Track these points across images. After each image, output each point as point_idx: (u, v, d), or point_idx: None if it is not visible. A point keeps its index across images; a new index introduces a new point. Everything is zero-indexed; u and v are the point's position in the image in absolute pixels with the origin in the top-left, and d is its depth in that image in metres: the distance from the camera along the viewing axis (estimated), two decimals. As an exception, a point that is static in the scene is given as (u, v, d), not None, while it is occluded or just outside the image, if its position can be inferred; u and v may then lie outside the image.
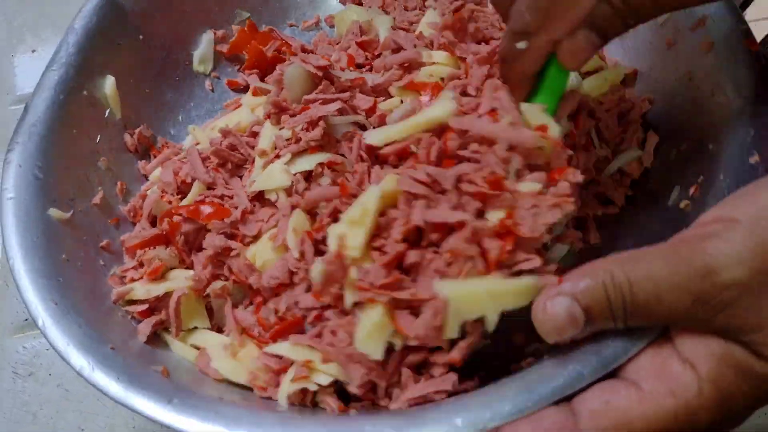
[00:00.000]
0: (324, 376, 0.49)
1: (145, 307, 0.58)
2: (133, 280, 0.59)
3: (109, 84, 0.69)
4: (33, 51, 0.87)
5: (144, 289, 0.58)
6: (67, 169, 0.63)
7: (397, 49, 0.67)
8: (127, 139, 0.70)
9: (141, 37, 0.73)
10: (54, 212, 0.59)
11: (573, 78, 0.61)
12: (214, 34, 0.78)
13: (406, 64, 0.64)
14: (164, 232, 0.61)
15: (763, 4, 1.15)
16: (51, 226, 0.59)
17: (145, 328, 0.57)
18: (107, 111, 0.69)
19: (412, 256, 0.46)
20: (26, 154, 0.61)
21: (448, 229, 0.46)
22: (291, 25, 0.82)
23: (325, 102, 0.58)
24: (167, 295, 0.58)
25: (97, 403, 0.65)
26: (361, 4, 0.79)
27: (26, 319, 0.70)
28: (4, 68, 0.86)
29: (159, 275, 0.59)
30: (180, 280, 0.58)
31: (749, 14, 0.79)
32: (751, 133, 0.50)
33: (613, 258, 0.41)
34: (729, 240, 0.37)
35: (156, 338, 0.58)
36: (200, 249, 0.60)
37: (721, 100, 0.55)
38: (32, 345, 0.69)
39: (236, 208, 0.59)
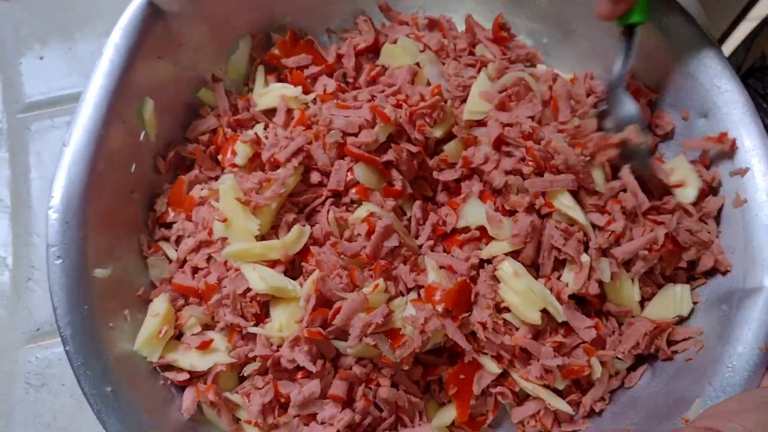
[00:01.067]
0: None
1: (186, 375, 0.60)
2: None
3: (148, 107, 0.65)
4: (41, 58, 0.81)
5: (187, 362, 0.60)
6: (106, 219, 0.61)
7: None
8: (159, 163, 0.67)
9: (181, 45, 0.67)
10: (99, 272, 0.58)
11: None
12: (252, 39, 0.73)
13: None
14: (200, 291, 0.62)
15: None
16: (96, 289, 0.58)
17: (189, 404, 0.59)
18: (142, 134, 0.65)
19: None
20: (71, 209, 0.58)
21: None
22: (329, 31, 0.77)
23: None
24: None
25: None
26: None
27: (38, 329, 0.70)
28: (12, 76, 0.80)
29: (207, 348, 0.60)
30: (221, 355, 0.60)
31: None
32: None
33: None
34: None
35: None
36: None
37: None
38: (44, 355, 0.69)
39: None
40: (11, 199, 0.75)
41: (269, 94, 0.70)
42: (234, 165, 0.66)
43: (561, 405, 0.62)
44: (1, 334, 0.70)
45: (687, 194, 0.66)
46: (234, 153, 0.66)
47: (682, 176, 0.66)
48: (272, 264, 0.61)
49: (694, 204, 0.65)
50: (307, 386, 0.58)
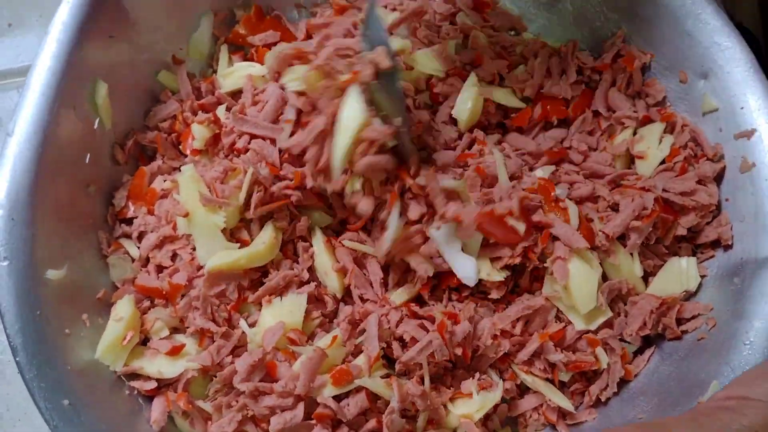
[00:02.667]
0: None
1: (153, 384, 0.55)
2: None
3: (101, 91, 0.59)
4: (9, 25, 0.76)
5: (155, 369, 0.54)
6: (59, 215, 0.55)
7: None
8: (117, 153, 0.62)
9: (135, 24, 0.62)
10: (52, 274, 0.53)
11: None
12: (215, 16, 0.67)
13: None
14: (165, 292, 0.57)
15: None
16: (49, 292, 0.53)
17: (158, 415, 0.54)
18: (96, 121, 0.59)
19: None
20: (18, 204, 0.52)
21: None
22: (298, 6, 0.71)
23: None
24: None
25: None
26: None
27: None
28: None
29: (178, 354, 0.55)
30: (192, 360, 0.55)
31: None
32: None
33: (638, 426, 0.46)
34: (744, 414, 0.43)
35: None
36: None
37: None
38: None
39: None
40: None
41: (234, 74, 0.65)
42: (196, 152, 0.60)
43: (561, 401, 0.58)
44: None
45: (641, 168, 0.63)
46: (193, 137, 0.60)
47: (644, 147, 0.63)
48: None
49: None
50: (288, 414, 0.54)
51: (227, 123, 0.60)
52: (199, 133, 0.60)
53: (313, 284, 0.57)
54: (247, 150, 0.59)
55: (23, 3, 0.77)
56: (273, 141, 0.59)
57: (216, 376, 0.55)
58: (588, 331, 0.59)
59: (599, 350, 0.59)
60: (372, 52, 0.55)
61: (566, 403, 0.59)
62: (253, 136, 0.59)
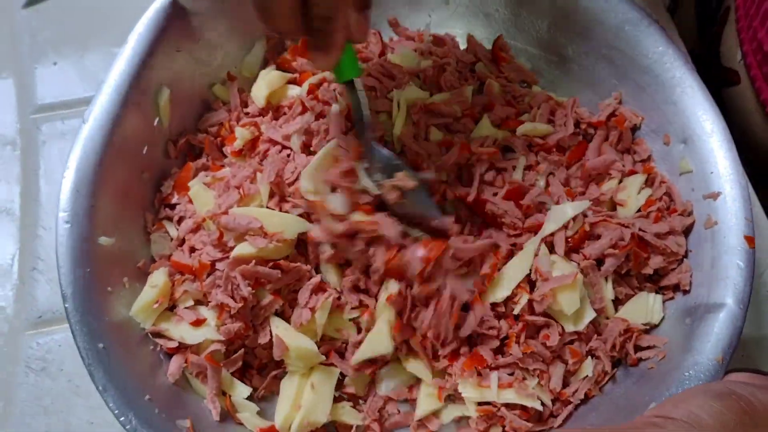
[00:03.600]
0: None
1: (175, 344, 0.64)
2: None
3: (164, 96, 0.70)
4: (54, 64, 0.88)
5: (178, 333, 0.64)
6: (116, 194, 0.65)
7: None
8: (170, 148, 0.72)
9: (199, 41, 0.73)
10: (104, 240, 0.63)
11: None
12: (267, 42, 0.78)
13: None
14: (194, 269, 0.66)
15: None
16: (100, 255, 0.63)
17: (175, 369, 0.63)
18: (156, 120, 0.70)
19: None
20: (84, 179, 0.63)
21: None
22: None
23: None
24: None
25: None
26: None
27: (40, 317, 0.75)
28: (27, 79, 0.87)
29: (200, 326, 0.64)
30: (210, 330, 0.64)
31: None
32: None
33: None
34: (665, 430, 0.49)
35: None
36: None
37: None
38: (45, 341, 0.73)
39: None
40: (21, 194, 0.81)
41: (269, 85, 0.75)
42: (236, 153, 0.71)
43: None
44: (5, 319, 0.75)
45: (621, 213, 0.71)
46: (234, 139, 0.71)
47: (625, 196, 0.71)
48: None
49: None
50: None
51: (264, 131, 0.70)
52: (241, 135, 0.71)
53: (318, 277, 0.66)
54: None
55: (67, 44, 0.90)
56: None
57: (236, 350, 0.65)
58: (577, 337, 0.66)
59: (588, 360, 0.66)
60: (391, 179, 0.65)
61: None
62: (283, 146, 0.69)
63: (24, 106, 0.86)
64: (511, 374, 0.65)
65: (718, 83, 0.86)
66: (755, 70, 0.79)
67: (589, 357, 0.66)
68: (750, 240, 0.64)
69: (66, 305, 0.60)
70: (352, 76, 0.64)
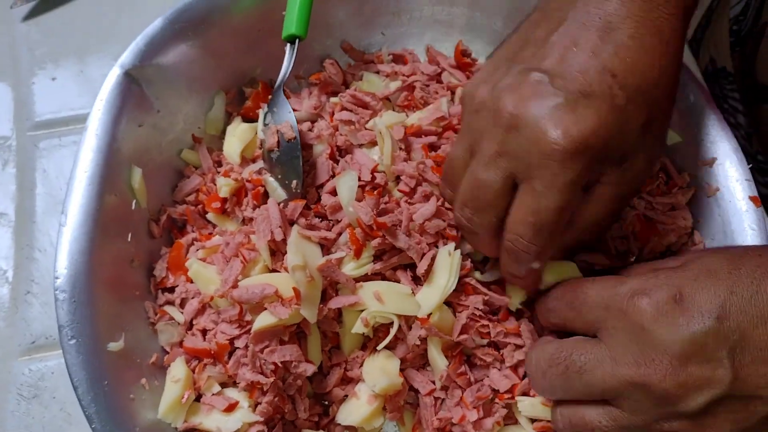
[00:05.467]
0: None
1: (213, 442, 0.61)
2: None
3: (136, 176, 0.65)
4: (53, 79, 0.86)
5: (213, 424, 0.60)
6: (111, 291, 0.61)
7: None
8: (153, 228, 0.68)
9: (158, 111, 0.68)
10: (113, 346, 0.59)
11: None
12: (226, 95, 0.74)
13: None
14: (212, 351, 0.63)
15: None
16: (112, 363, 0.58)
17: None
18: (134, 203, 0.66)
19: None
20: (78, 286, 0.58)
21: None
22: (298, 77, 0.79)
23: None
24: (237, 430, 0.61)
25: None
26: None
27: (33, 342, 0.71)
28: (24, 95, 0.85)
29: (233, 410, 0.61)
30: (245, 412, 0.61)
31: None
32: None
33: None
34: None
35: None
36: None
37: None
38: (38, 367, 0.70)
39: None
40: (15, 213, 0.78)
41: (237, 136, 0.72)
42: (218, 210, 0.68)
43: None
44: None
45: None
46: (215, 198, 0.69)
47: None
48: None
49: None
50: None
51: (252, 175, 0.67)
52: (224, 183, 0.68)
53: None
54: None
55: (66, 58, 0.88)
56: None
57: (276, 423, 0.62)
58: None
59: None
60: (278, 125, 0.65)
61: None
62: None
63: (21, 123, 0.83)
64: None
65: (754, 100, 0.87)
66: None
67: None
68: (756, 200, 0.65)
69: (92, 426, 0.55)
70: (298, 34, 0.67)
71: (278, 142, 0.66)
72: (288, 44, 0.69)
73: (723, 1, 0.92)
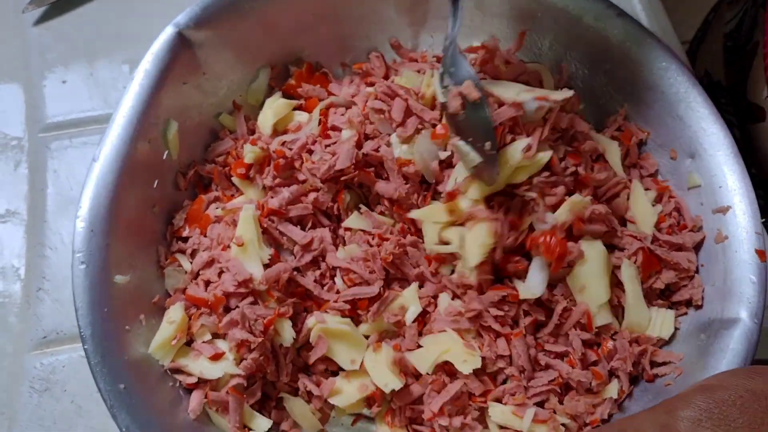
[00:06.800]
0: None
1: (195, 379, 0.64)
2: None
3: (172, 129, 0.70)
4: (63, 82, 0.88)
5: (197, 368, 0.64)
6: (128, 230, 0.65)
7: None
8: (180, 180, 0.72)
9: (204, 74, 0.73)
10: (119, 279, 0.63)
11: None
12: (272, 69, 0.78)
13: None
14: (210, 302, 0.66)
15: None
16: (116, 294, 0.63)
17: (196, 405, 0.63)
18: (165, 153, 0.70)
19: None
20: (97, 219, 0.63)
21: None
22: (343, 64, 0.82)
23: None
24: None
25: (108, 421, 0.63)
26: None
27: (44, 337, 0.75)
28: (35, 97, 0.87)
29: (218, 359, 0.64)
30: (229, 365, 0.64)
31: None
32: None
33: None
34: None
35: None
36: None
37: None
38: (49, 361, 0.74)
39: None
40: (27, 212, 0.81)
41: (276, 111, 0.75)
42: (242, 175, 0.72)
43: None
44: (9, 339, 0.75)
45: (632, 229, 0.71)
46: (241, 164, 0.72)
47: (634, 213, 0.72)
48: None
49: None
50: None
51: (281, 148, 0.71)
52: (250, 150, 0.71)
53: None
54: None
55: (77, 62, 0.90)
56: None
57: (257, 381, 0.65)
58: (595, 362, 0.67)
59: (614, 382, 0.67)
60: (459, 86, 0.63)
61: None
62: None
63: (32, 125, 0.86)
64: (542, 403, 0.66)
65: (745, 117, 0.87)
66: None
67: (614, 378, 0.67)
68: (761, 254, 0.64)
69: (85, 347, 0.60)
70: None
71: (462, 104, 0.62)
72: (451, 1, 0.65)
73: (718, 16, 0.91)
